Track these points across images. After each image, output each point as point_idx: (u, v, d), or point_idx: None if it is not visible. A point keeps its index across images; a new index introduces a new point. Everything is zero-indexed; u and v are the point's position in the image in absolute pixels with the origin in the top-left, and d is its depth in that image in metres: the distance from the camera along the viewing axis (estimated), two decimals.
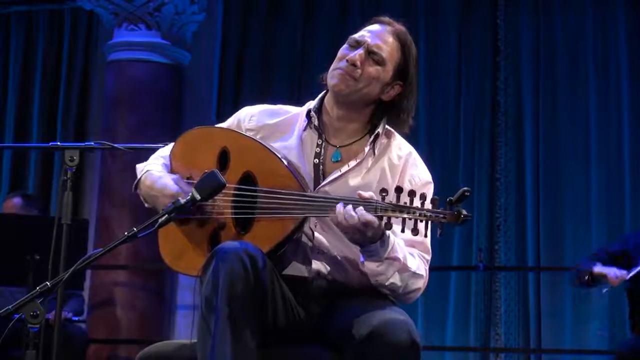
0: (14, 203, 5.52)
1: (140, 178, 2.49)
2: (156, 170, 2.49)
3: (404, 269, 2.32)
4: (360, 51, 2.43)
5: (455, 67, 6.45)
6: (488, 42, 6.39)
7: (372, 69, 2.42)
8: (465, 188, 2.18)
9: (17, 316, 2.21)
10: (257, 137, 2.48)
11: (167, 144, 2.65)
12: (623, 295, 5.63)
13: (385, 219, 2.22)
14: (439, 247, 5.95)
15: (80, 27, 7.31)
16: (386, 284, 2.33)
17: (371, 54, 2.43)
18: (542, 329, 5.98)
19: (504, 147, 6.24)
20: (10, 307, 2.17)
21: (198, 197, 2.28)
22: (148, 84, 6.33)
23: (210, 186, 2.28)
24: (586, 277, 4.56)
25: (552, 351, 6.00)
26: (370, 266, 2.31)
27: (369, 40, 2.45)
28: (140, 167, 2.53)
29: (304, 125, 2.49)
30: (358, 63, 2.41)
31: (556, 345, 5.93)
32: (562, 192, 6.10)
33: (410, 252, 2.37)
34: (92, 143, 3.32)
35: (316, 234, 2.41)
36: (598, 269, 4.54)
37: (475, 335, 6.10)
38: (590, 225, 6.01)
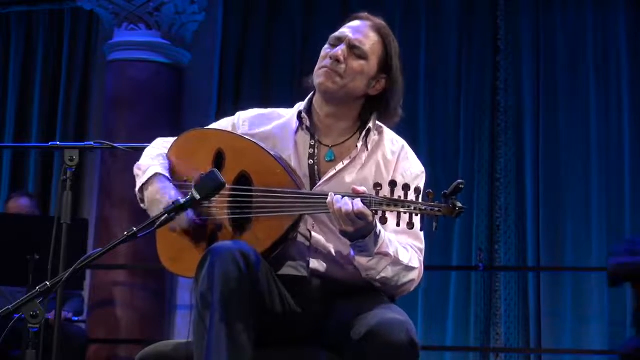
0: (22, 204, 5.52)
1: (148, 180, 2.46)
2: (163, 172, 2.47)
3: (395, 263, 2.32)
4: (343, 47, 2.43)
5: (455, 67, 6.44)
6: (488, 42, 6.39)
7: (356, 64, 2.43)
8: (459, 180, 2.18)
9: (17, 316, 2.21)
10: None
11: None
12: (623, 296, 5.63)
13: (380, 213, 2.22)
14: (439, 247, 5.94)
15: (80, 27, 7.31)
16: (377, 278, 2.33)
17: (353, 49, 2.43)
18: (542, 329, 5.98)
19: (504, 147, 6.24)
20: (10, 307, 2.17)
21: (198, 196, 2.27)
22: (148, 84, 6.32)
23: (210, 186, 2.28)
24: None
25: (552, 351, 5.99)
26: (360, 261, 2.31)
27: (350, 35, 2.45)
28: (144, 167, 2.50)
29: (296, 128, 2.49)
30: (341, 58, 2.42)
31: (556, 345, 5.92)
32: (562, 192, 6.10)
33: (402, 245, 2.37)
34: (92, 143, 3.32)
35: (314, 234, 2.41)
36: None
37: (475, 335, 6.09)
38: (590, 226, 6.00)
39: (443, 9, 6.52)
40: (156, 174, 2.46)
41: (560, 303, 5.97)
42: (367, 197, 2.22)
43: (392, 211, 2.21)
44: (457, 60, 6.45)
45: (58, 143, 3.25)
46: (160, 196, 2.41)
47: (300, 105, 2.53)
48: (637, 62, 6.10)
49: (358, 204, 2.20)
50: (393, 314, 2.22)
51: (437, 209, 2.19)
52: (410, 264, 2.36)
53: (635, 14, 6.16)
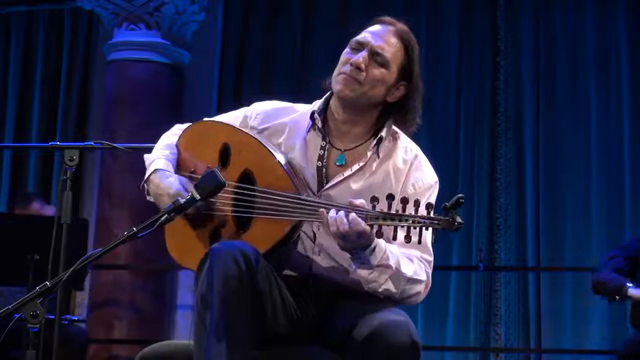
0: (37, 208, 5.50)
1: (149, 176, 2.48)
2: (164, 167, 2.48)
3: (397, 275, 2.29)
4: (364, 53, 2.38)
5: (455, 67, 6.45)
6: (488, 42, 6.39)
7: (377, 72, 2.38)
8: (460, 195, 2.14)
9: (17, 316, 2.20)
10: (263, 135, 2.47)
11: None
12: None
13: (376, 227, 2.18)
14: (439, 247, 5.93)
15: (80, 27, 7.31)
16: (379, 290, 2.30)
17: (375, 56, 2.38)
18: (542, 329, 5.98)
19: (504, 147, 6.24)
20: (10, 307, 2.17)
21: (197, 196, 2.27)
22: (148, 84, 6.33)
23: (209, 186, 2.27)
24: (617, 297, 4.53)
25: (552, 351, 6.00)
26: (362, 274, 2.28)
27: (372, 41, 2.39)
28: (150, 159, 2.52)
29: (308, 127, 2.46)
30: (362, 66, 2.36)
31: (556, 345, 5.92)
32: (562, 192, 6.10)
33: (408, 257, 2.34)
34: (92, 143, 3.31)
35: (318, 236, 2.40)
36: (636, 293, 4.48)
37: (475, 335, 6.10)
38: (590, 226, 6.01)
39: (443, 9, 6.53)
40: (155, 171, 2.46)
41: (560, 303, 5.97)
42: (363, 211, 2.19)
43: (388, 225, 2.18)
44: (457, 60, 6.45)
45: (58, 143, 3.24)
46: (161, 191, 2.42)
47: (316, 104, 2.49)
48: (637, 62, 6.10)
49: (353, 219, 2.17)
50: (394, 315, 2.21)
51: (436, 222, 2.15)
52: (414, 276, 2.33)
53: (635, 14, 6.16)
